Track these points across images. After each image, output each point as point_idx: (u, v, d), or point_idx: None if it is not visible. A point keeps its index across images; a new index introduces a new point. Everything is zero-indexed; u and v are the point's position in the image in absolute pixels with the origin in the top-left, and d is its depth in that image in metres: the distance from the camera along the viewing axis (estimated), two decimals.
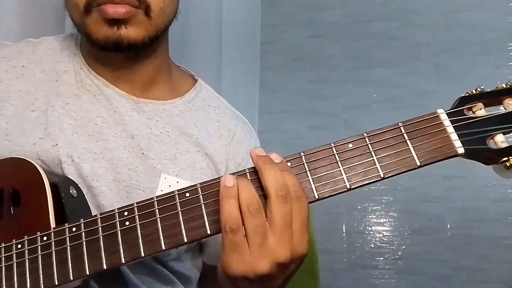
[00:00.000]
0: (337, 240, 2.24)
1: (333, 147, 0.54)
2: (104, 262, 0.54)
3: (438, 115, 0.55)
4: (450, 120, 0.54)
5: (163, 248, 0.53)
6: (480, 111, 0.55)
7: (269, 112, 2.39)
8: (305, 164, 0.54)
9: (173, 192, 0.55)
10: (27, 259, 0.57)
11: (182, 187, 0.55)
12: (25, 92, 0.74)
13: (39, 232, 0.57)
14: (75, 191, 0.64)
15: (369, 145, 0.54)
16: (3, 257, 0.58)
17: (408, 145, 0.54)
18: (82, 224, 0.56)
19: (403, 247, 2.19)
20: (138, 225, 0.54)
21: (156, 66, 0.79)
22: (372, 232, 2.23)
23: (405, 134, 0.54)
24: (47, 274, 0.55)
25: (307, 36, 2.43)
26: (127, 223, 0.55)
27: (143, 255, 0.53)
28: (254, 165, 0.54)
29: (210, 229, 0.53)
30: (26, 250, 0.57)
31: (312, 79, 2.39)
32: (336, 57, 2.39)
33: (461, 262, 2.11)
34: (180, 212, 0.54)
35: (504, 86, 0.55)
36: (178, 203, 0.54)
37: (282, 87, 2.41)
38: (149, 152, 0.74)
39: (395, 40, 2.33)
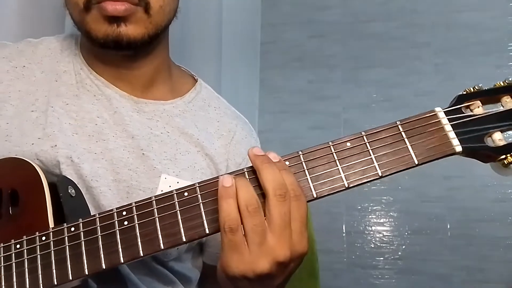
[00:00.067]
0: (337, 240, 2.24)
1: (331, 146, 0.54)
2: (103, 261, 0.54)
3: (436, 114, 0.55)
4: (448, 119, 0.54)
5: (162, 247, 0.53)
6: (478, 109, 0.55)
7: (269, 112, 2.39)
8: (303, 163, 0.54)
9: (171, 191, 0.55)
10: (26, 259, 0.57)
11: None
12: (25, 93, 0.74)
13: (37, 232, 0.57)
14: (73, 191, 0.64)
15: (367, 143, 0.54)
16: (1, 257, 0.58)
17: (406, 144, 0.54)
18: (81, 224, 0.56)
19: (403, 247, 2.19)
20: (137, 224, 0.54)
21: (156, 66, 0.79)
22: (372, 232, 2.23)
23: (403, 133, 0.54)
24: (46, 274, 0.55)
25: (307, 36, 2.43)
26: (125, 222, 0.55)
27: (141, 254, 0.53)
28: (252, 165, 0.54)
29: (208, 229, 0.53)
30: (25, 250, 0.57)
31: (312, 79, 2.40)
32: (336, 57, 2.39)
33: (461, 262, 2.11)
34: (178, 211, 0.54)
35: (502, 84, 0.55)
36: (176, 202, 0.54)
37: (282, 87, 2.41)
38: (149, 152, 0.74)
39: (395, 40, 2.33)
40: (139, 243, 0.54)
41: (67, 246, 0.55)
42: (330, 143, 0.55)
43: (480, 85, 0.56)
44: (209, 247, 0.83)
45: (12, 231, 0.59)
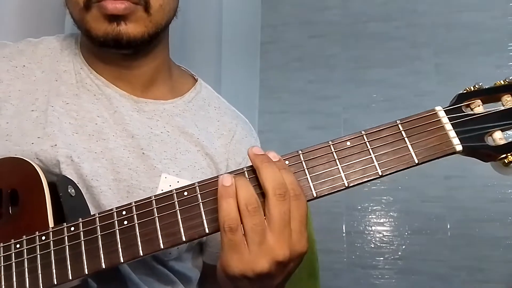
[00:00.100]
0: (337, 240, 2.23)
1: (331, 145, 0.54)
2: (102, 261, 0.54)
3: (436, 113, 0.55)
4: (448, 117, 0.54)
5: (162, 247, 0.53)
6: (478, 108, 0.54)
7: (269, 112, 2.39)
8: (303, 162, 0.54)
9: (171, 191, 0.55)
10: (25, 259, 0.57)
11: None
12: (25, 92, 0.74)
13: (37, 232, 0.57)
14: (73, 191, 0.64)
15: (367, 143, 0.54)
16: (1, 257, 0.58)
17: (406, 143, 0.54)
18: (81, 223, 0.56)
19: (403, 247, 2.18)
20: (137, 224, 0.54)
21: (156, 65, 0.79)
22: (372, 232, 2.23)
23: (403, 132, 0.54)
24: (46, 274, 0.55)
25: (307, 36, 2.43)
26: (125, 222, 0.55)
27: (141, 254, 0.53)
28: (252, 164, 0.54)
29: (208, 228, 0.53)
30: (25, 250, 0.57)
31: (312, 79, 2.40)
32: (336, 57, 2.39)
33: (461, 262, 2.11)
34: (178, 211, 0.54)
35: (502, 82, 0.55)
36: (176, 202, 0.54)
37: (282, 87, 2.41)
38: (150, 151, 0.74)
39: (395, 40, 2.33)
40: (139, 243, 0.54)
41: (67, 246, 0.55)
42: (330, 142, 0.54)
43: (480, 84, 0.55)
44: (209, 247, 0.83)
45: (12, 230, 0.59)
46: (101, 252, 0.54)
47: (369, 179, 0.53)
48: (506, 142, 0.53)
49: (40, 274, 0.55)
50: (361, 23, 2.38)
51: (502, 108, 0.54)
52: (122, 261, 0.54)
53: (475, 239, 2.11)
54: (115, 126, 0.74)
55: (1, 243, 0.59)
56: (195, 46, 1.50)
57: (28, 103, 0.73)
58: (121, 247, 0.54)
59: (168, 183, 0.73)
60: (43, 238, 0.57)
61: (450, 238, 2.14)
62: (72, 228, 0.56)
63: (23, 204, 0.61)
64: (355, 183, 0.53)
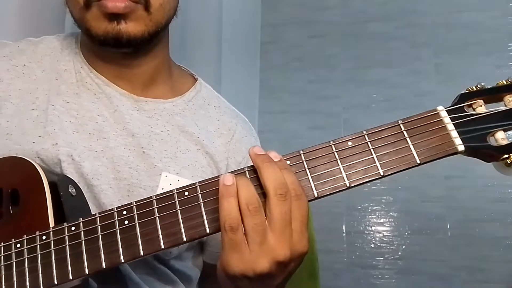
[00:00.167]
0: (337, 240, 2.23)
1: (333, 145, 0.54)
2: (103, 261, 0.54)
3: (438, 112, 0.54)
4: (450, 117, 0.54)
5: (162, 247, 0.53)
6: (481, 108, 0.54)
7: (269, 112, 2.39)
8: (304, 162, 0.54)
9: (172, 191, 0.55)
10: (26, 259, 0.56)
11: (183, 186, 0.55)
12: (26, 91, 0.74)
13: (38, 231, 0.57)
14: (74, 190, 0.64)
15: (368, 143, 0.54)
16: (2, 257, 0.58)
17: (408, 143, 0.53)
18: (81, 223, 0.56)
19: (403, 247, 2.18)
20: (137, 224, 0.54)
21: (156, 64, 0.79)
22: (372, 232, 2.23)
23: (404, 132, 0.54)
24: (46, 274, 0.55)
25: (307, 36, 2.43)
26: (126, 222, 0.55)
27: (142, 254, 0.53)
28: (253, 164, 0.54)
29: (209, 228, 0.53)
30: (25, 249, 0.57)
31: (312, 79, 2.40)
32: (336, 57, 2.39)
33: (461, 262, 2.11)
34: (179, 210, 0.54)
35: (505, 82, 0.55)
36: (177, 202, 0.54)
37: (282, 87, 2.41)
38: (150, 150, 0.74)
39: (395, 40, 2.33)
40: (140, 243, 0.53)
41: (68, 246, 0.55)
42: (331, 142, 0.54)
43: (482, 84, 0.55)
44: (209, 246, 0.83)
45: (12, 230, 0.59)
46: (102, 252, 0.54)
47: (370, 179, 0.53)
48: (508, 142, 0.52)
49: (41, 274, 0.55)
50: (361, 23, 2.38)
51: (505, 108, 0.54)
52: (122, 261, 0.53)
53: (475, 239, 2.11)
54: (115, 125, 0.74)
55: (2, 243, 0.59)
56: (195, 46, 1.50)
57: (28, 102, 0.73)
58: (121, 247, 0.54)
59: (168, 181, 0.73)
60: (44, 237, 0.57)
61: (450, 238, 2.14)
62: (73, 228, 0.56)
63: (24, 204, 0.61)
64: (357, 183, 0.53)
